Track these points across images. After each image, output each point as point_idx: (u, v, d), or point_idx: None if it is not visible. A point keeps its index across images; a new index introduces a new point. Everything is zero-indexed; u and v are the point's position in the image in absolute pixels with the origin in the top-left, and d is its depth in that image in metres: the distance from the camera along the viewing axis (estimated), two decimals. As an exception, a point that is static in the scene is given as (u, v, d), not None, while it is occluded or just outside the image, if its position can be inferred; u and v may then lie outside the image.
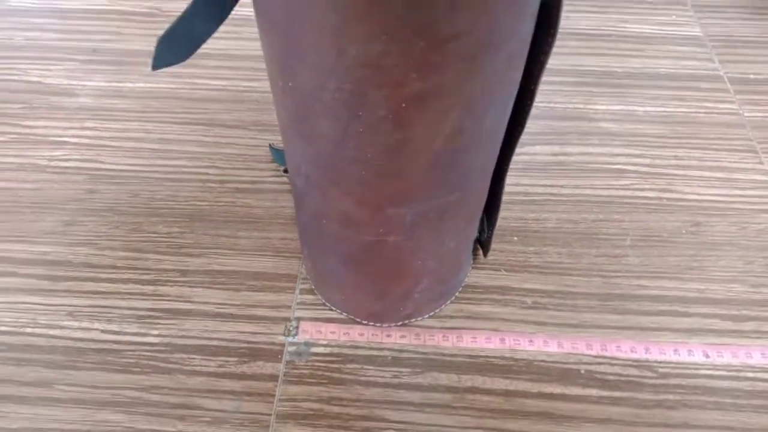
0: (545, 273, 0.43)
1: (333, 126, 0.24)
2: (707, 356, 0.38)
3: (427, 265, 0.34)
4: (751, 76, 0.57)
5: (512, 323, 0.40)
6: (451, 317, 0.40)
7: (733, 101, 0.55)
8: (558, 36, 0.62)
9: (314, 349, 0.38)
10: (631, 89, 0.56)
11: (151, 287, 0.41)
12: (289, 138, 0.28)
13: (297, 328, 0.39)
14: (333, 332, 0.39)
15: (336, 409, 0.36)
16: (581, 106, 0.55)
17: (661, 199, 0.47)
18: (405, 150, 0.24)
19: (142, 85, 0.55)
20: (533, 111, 0.54)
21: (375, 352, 0.38)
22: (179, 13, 0.63)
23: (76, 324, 0.39)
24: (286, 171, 0.44)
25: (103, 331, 0.39)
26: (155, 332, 0.39)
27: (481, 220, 0.38)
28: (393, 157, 0.25)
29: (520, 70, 0.24)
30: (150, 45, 0.59)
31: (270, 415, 0.36)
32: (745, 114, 0.54)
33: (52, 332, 0.39)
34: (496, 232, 0.44)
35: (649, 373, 0.38)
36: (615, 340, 0.39)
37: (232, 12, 0.31)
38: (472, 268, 0.43)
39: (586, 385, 0.37)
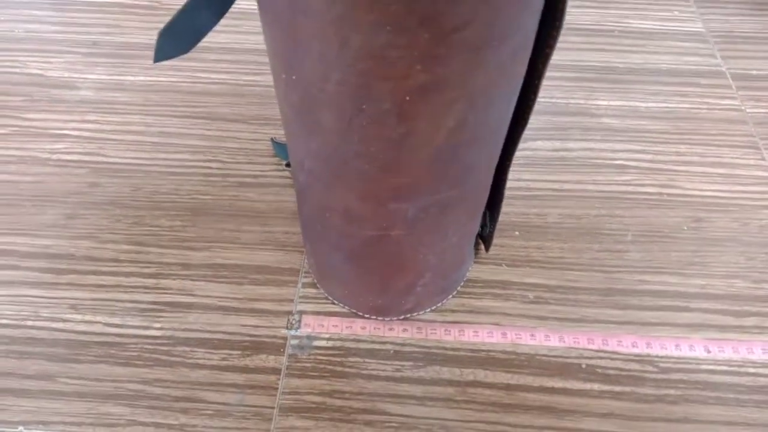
0: (547, 268, 0.43)
1: (336, 119, 0.24)
2: (708, 351, 0.38)
3: (429, 260, 0.34)
4: (753, 72, 0.57)
5: (514, 318, 0.40)
6: (453, 311, 0.40)
7: (735, 97, 0.55)
8: (560, 31, 0.62)
9: (316, 343, 0.39)
10: (632, 85, 0.56)
11: (154, 280, 0.41)
12: (292, 132, 0.28)
13: (299, 321, 0.39)
14: (335, 326, 0.39)
15: (338, 403, 0.36)
16: (583, 101, 0.54)
17: (662, 194, 0.47)
18: (408, 144, 0.24)
19: (143, 78, 0.55)
20: (535, 106, 0.54)
21: (377, 346, 0.38)
22: (179, 6, 0.63)
23: (78, 317, 0.39)
24: (288, 165, 0.44)
25: (105, 324, 0.39)
26: (158, 325, 0.39)
27: (483, 215, 0.38)
28: (396, 150, 0.25)
29: (525, 63, 0.24)
30: (150, 38, 0.59)
31: (273, 408, 0.36)
32: (747, 110, 0.54)
33: (54, 325, 0.39)
34: (497, 226, 0.44)
35: (650, 368, 0.38)
36: (616, 335, 0.39)
37: (233, 5, 0.31)
38: (474, 262, 0.43)
39: (587, 380, 0.37)
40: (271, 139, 0.48)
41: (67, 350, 0.38)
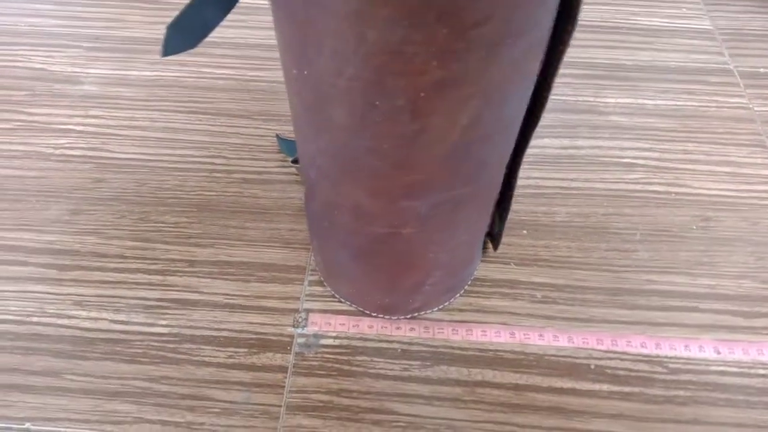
0: (555, 267, 0.42)
1: (349, 116, 0.23)
2: (718, 352, 0.38)
3: (439, 258, 0.33)
4: (761, 70, 0.57)
5: (522, 317, 0.40)
6: (461, 310, 0.40)
7: (743, 95, 0.54)
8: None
9: (323, 341, 0.38)
10: (641, 82, 0.55)
11: (159, 277, 0.41)
12: (303, 128, 0.27)
13: (306, 319, 0.39)
14: (342, 324, 0.39)
15: (345, 401, 0.36)
16: (591, 99, 0.54)
17: (670, 193, 0.47)
18: (422, 141, 0.24)
19: (147, 73, 0.55)
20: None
21: (384, 345, 0.38)
22: (183, 0, 0.63)
23: (84, 313, 0.39)
24: (294, 161, 0.43)
25: (111, 321, 0.39)
26: (163, 322, 0.39)
27: (492, 213, 0.37)
28: (409, 147, 0.24)
29: (540, 60, 0.24)
30: (154, 32, 0.59)
31: (280, 406, 0.35)
32: (755, 108, 0.53)
33: (59, 321, 0.39)
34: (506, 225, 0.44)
35: (659, 369, 0.37)
36: (625, 335, 0.39)
37: (239, 0, 0.30)
38: (482, 261, 0.42)
39: (596, 380, 0.37)
40: (276, 135, 0.48)
41: (73, 347, 0.37)
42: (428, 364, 0.37)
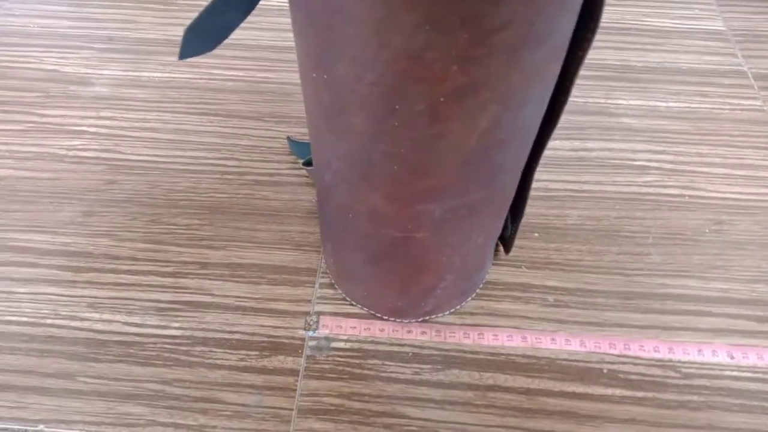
0: (567, 270, 0.42)
1: (368, 120, 0.23)
2: (732, 357, 0.38)
3: (452, 262, 0.33)
4: (776, 72, 0.56)
5: (533, 321, 0.40)
6: (472, 314, 0.40)
7: (757, 97, 0.54)
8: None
9: (334, 344, 0.38)
10: (652, 84, 0.55)
11: (172, 279, 0.41)
12: (320, 132, 0.27)
13: (317, 322, 0.39)
14: (353, 327, 0.39)
15: (357, 405, 0.36)
16: (602, 100, 0.54)
17: (683, 196, 0.47)
18: (440, 145, 0.24)
19: (159, 75, 0.55)
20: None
21: (396, 348, 0.38)
22: (195, 2, 0.63)
23: (97, 316, 0.39)
24: (305, 164, 0.43)
25: (124, 323, 0.39)
26: (176, 325, 0.39)
27: (505, 217, 0.37)
28: (427, 152, 0.24)
29: (560, 65, 0.24)
30: (166, 34, 0.59)
31: (291, 410, 0.35)
32: (770, 111, 0.53)
33: (73, 324, 0.39)
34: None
35: (672, 374, 0.37)
36: (638, 340, 0.39)
37: (259, 2, 0.30)
38: (493, 264, 0.42)
39: (608, 385, 0.37)
40: (287, 138, 0.48)
41: (87, 349, 0.38)
42: (440, 367, 0.37)
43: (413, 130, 0.23)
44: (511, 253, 0.43)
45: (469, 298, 0.40)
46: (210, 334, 0.38)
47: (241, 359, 0.37)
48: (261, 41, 0.58)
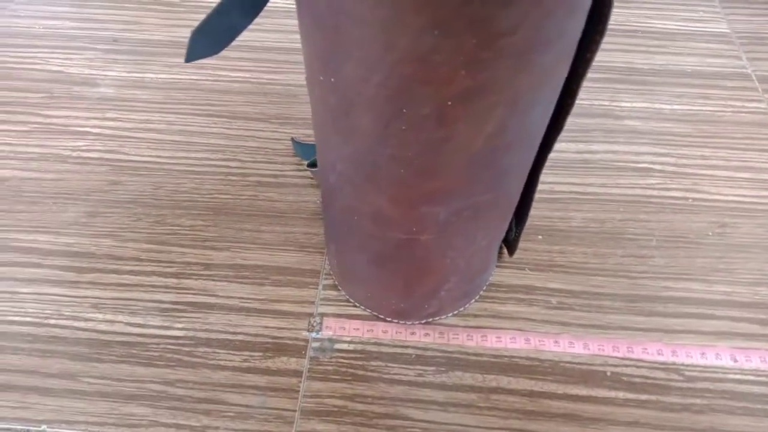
0: (570, 273, 0.42)
1: (374, 123, 0.23)
2: (735, 360, 0.38)
3: (456, 264, 0.33)
4: (780, 75, 0.56)
5: (537, 323, 0.40)
6: (476, 316, 0.40)
7: (762, 100, 0.54)
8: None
9: (338, 346, 0.38)
10: (656, 86, 0.55)
11: (175, 280, 0.41)
12: (325, 134, 0.27)
13: (321, 324, 0.39)
14: (357, 329, 0.39)
15: (360, 407, 0.36)
16: (606, 103, 0.54)
17: (687, 199, 0.47)
18: (446, 148, 0.24)
19: (163, 76, 0.55)
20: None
21: (399, 350, 0.38)
22: (199, 3, 0.63)
23: (100, 316, 0.39)
24: (310, 165, 0.43)
25: (127, 324, 0.39)
26: (179, 325, 0.39)
27: (510, 219, 0.37)
28: (434, 155, 0.24)
29: (567, 68, 0.24)
30: (170, 35, 0.59)
31: (294, 411, 0.35)
32: (774, 114, 0.53)
33: (76, 324, 0.39)
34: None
35: (676, 377, 0.37)
36: (641, 342, 0.39)
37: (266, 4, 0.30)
38: (497, 266, 0.42)
39: (612, 388, 0.37)
40: (292, 139, 0.48)
41: (90, 349, 0.38)
42: (443, 369, 0.37)
43: (420, 132, 0.23)
44: (515, 256, 0.43)
45: (473, 300, 0.40)
46: (213, 335, 0.38)
47: (245, 360, 0.37)
48: (267, 43, 0.59)
